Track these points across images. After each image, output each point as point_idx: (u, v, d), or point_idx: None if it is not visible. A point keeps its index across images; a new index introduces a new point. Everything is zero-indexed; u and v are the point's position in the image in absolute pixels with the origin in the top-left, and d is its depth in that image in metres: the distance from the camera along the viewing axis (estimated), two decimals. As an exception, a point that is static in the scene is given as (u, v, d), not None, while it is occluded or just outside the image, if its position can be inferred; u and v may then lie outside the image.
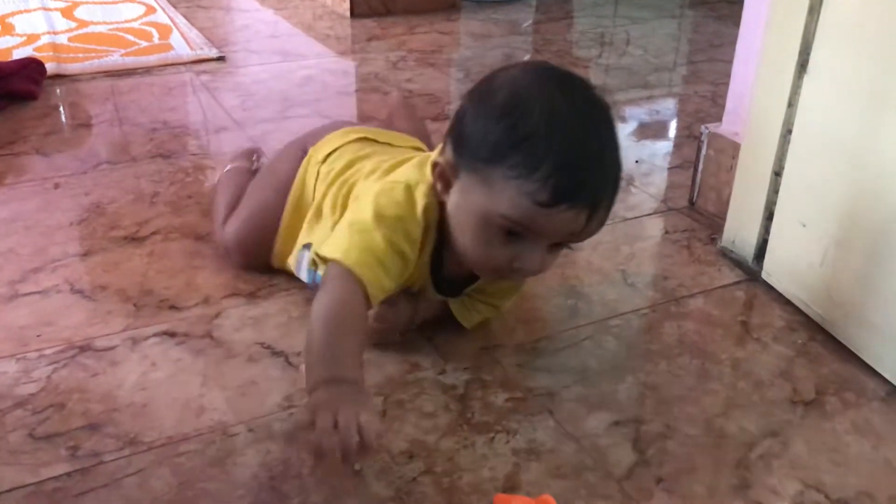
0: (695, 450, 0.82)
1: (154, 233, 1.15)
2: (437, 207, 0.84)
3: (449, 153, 0.81)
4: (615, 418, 0.86)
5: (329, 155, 0.99)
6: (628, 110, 1.74)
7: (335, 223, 0.91)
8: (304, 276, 0.98)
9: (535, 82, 0.78)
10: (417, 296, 0.92)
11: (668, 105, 1.79)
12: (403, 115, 1.31)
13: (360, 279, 0.80)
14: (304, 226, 0.99)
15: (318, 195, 0.98)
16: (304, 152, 1.03)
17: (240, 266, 1.07)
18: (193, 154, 1.43)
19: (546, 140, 0.74)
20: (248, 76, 1.82)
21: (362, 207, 0.85)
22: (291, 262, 1.00)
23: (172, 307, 1.00)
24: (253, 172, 1.17)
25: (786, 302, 1.06)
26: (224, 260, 1.08)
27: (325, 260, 0.83)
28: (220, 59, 1.89)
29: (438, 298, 0.93)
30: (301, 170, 1.01)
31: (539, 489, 0.76)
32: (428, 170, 0.86)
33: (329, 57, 1.99)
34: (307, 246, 0.97)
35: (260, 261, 1.05)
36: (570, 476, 0.78)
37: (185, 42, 1.97)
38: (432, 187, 0.84)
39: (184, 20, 2.16)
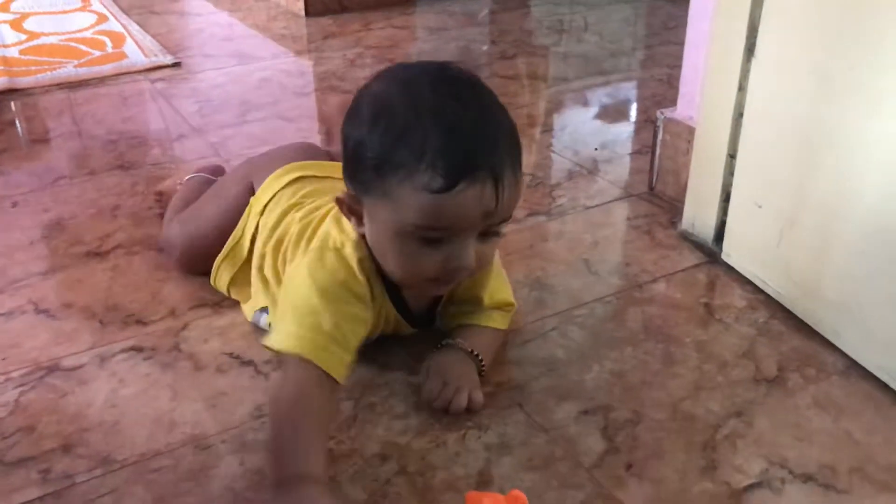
0: (663, 434, 0.83)
1: (117, 247, 1.15)
2: (370, 254, 0.83)
3: (348, 185, 0.81)
4: (584, 407, 0.87)
5: (266, 205, 0.97)
6: (587, 98, 1.75)
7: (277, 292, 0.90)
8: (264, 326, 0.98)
9: (389, 85, 0.78)
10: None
11: (626, 90, 1.81)
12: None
13: (321, 366, 0.78)
14: (256, 282, 0.96)
15: (256, 253, 0.96)
16: (250, 184, 1.02)
17: (177, 267, 1.09)
18: (153, 164, 1.42)
19: (419, 130, 0.73)
20: (205, 81, 1.80)
21: (301, 287, 0.82)
22: (247, 314, 0.99)
23: (139, 322, 1.00)
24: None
25: (746, 282, 1.08)
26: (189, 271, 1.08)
27: (279, 351, 0.80)
28: (176, 65, 1.88)
29: (413, 331, 0.93)
30: (243, 218, 0.99)
31: (511, 483, 0.77)
32: (348, 228, 0.84)
33: (285, 57, 1.99)
34: (264, 309, 0.96)
35: (196, 270, 1.06)
36: (541, 468, 0.79)
37: (139, 50, 1.95)
38: (357, 235, 0.83)
39: (137, 27, 2.13)
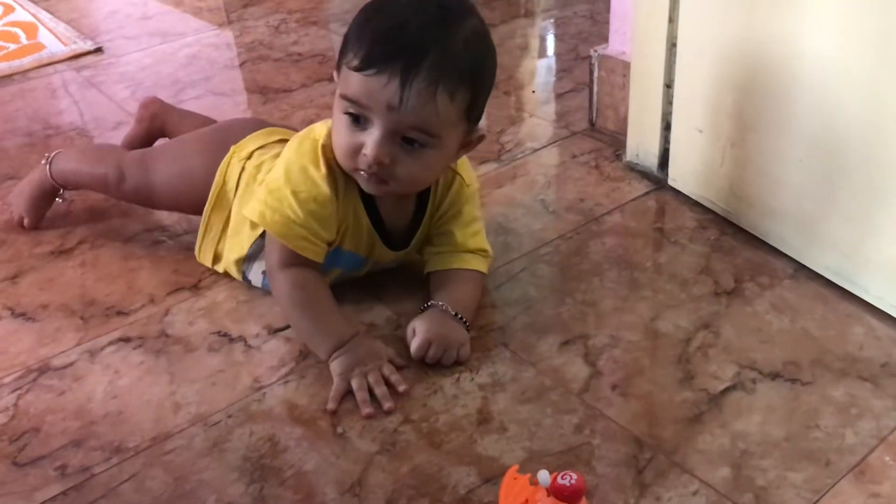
0: (640, 353, 0.90)
1: (80, 242, 1.14)
2: None
3: None
4: (563, 338, 0.93)
5: (254, 151, 1.01)
6: (516, 41, 1.78)
7: None
8: (256, 283, 1.02)
9: None
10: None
11: (551, 30, 1.85)
12: (181, 115, 1.32)
13: (297, 252, 0.91)
14: (230, 234, 1.01)
15: (241, 188, 1.00)
16: (225, 148, 1.04)
17: (127, 195, 1.12)
18: (96, 155, 1.40)
19: (371, 20, 0.84)
20: (132, 64, 1.77)
21: (277, 166, 0.94)
22: (231, 271, 1.03)
23: (120, 313, 1.01)
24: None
25: (694, 203, 1.14)
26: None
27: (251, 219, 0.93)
28: (98, 50, 1.83)
29: (392, 255, 0.98)
30: (222, 166, 1.02)
31: (509, 417, 0.83)
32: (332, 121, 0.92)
33: (208, 31, 1.96)
34: (249, 259, 1.00)
35: (148, 205, 1.13)
36: (534, 399, 0.85)
37: (55, 38, 1.89)
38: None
39: (47, 15, 2.06)
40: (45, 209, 1.17)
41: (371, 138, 0.84)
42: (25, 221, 1.16)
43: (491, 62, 0.88)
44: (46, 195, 1.16)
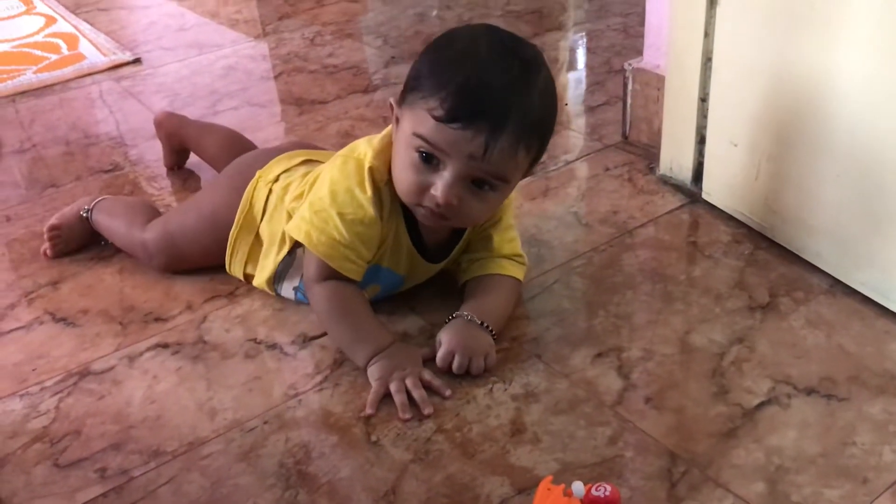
0: (674, 367, 0.90)
1: (119, 249, 1.16)
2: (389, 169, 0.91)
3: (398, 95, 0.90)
4: (597, 351, 0.93)
5: (280, 174, 1.02)
6: (549, 54, 1.79)
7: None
8: (290, 297, 1.03)
9: (472, 29, 0.89)
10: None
11: (584, 43, 1.85)
12: (199, 130, 1.33)
13: (343, 274, 0.92)
14: (262, 256, 1.02)
15: (269, 210, 1.01)
16: (243, 186, 1.04)
17: (159, 269, 1.09)
18: (135, 164, 1.43)
19: (456, 67, 0.83)
20: (169, 75, 1.80)
21: (320, 185, 0.94)
22: (264, 289, 1.03)
23: (158, 319, 1.03)
24: None
25: (728, 217, 1.14)
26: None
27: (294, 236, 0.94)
28: (137, 61, 1.87)
29: (430, 266, 0.99)
30: (248, 190, 1.03)
31: (543, 428, 0.83)
32: (376, 141, 0.92)
33: (244, 43, 1.99)
34: (278, 278, 1.01)
35: (182, 267, 1.09)
36: (567, 411, 0.85)
37: (95, 49, 1.93)
38: (387, 143, 0.91)
39: (88, 26, 2.11)
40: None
41: (443, 181, 0.84)
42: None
43: (556, 109, 0.90)
44: (90, 240, 1.17)
